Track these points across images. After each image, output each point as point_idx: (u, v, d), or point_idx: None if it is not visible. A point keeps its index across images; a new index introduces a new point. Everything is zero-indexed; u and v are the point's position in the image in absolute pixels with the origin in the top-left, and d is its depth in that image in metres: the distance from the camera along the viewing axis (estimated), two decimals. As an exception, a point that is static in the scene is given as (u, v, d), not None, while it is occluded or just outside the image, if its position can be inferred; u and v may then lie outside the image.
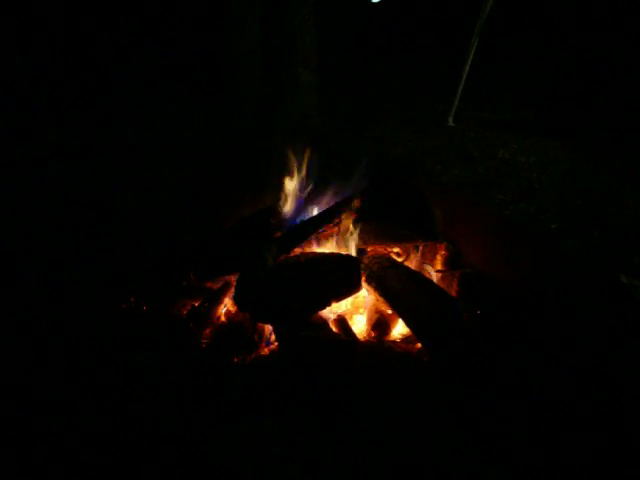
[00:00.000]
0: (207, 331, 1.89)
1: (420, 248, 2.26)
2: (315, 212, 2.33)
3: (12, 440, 1.42)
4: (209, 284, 2.13)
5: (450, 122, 4.78)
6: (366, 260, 2.12)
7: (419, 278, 1.97)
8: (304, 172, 2.37)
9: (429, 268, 2.22)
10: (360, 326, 2.02)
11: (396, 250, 2.27)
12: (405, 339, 1.90)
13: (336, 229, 2.22)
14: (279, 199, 2.36)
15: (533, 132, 4.46)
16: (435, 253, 2.27)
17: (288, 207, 2.36)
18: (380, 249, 2.24)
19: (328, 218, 2.19)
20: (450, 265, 2.23)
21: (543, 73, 5.77)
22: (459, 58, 4.64)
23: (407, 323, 1.83)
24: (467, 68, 4.58)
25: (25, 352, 1.73)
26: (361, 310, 2.12)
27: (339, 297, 1.90)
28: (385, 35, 6.96)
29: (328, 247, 2.23)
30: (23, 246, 2.29)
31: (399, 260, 2.23)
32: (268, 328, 1.88)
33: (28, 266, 2.18)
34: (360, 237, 2.19)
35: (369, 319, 2.00)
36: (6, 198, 2.67)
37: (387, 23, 6.99)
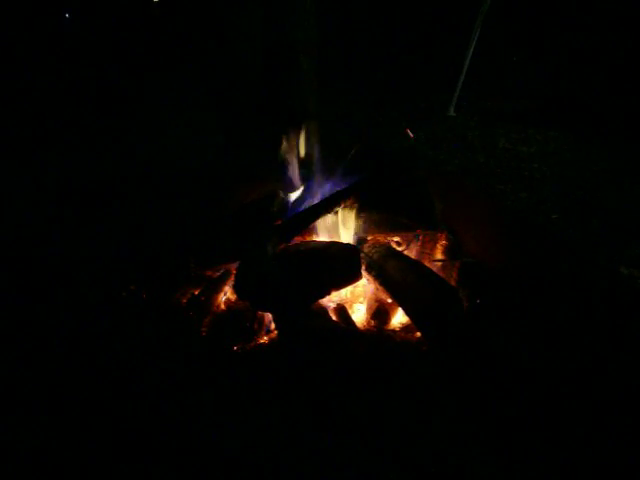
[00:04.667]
0: (207, 319, 1.89)
1: (420, 237, 2.25)
2: (315, 201, 2.32)
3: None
4: (209, 273, 2.13)
5: (451, 112, 4.77)
6: (366, 249, 2.11)
7: (419, 267, 1.97)
8: (305, 160, 2.36)
9: (429, 257, 2.22)
10: (360, 315, 2.02)
11: (396, 239, 2.27)
12: (405, 328, 1.91)
13: (336, 218, 2.21)
14: (279, 187, 2.35)
15: (534, 123, 4.45)
16: (435, 242, 2.27)
17: (288, 195, 2.35)
18: (380, 238, 2.24)
19: (328, 207, 2.18)
20: (450, 254, 2.22)
21: (545, 63, 5.74)
22: (461, 48, 4.61)
23: (407, 312, 1.83)
24: (469, 58, 4.56)
25: (25, 340, 1.74)
26: (361, 299, 2.12)
27: (339, 286, 1.90)
28: (386, 25, 6.90)
29: (328, 236, 2.22)
30: (25, 234, 2.29)
31: (399, 249, 2.23)
32: (268, 316, 1.88)
33: (29, 254, 2.18)
34: (360, 226, 2.18)
35: (369, 308, 2.00)
36: (10, 190, 2.67)
37: (388, 12, 6.93)
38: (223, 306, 1.99)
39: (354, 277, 1.92)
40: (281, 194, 2.34)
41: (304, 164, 2.37)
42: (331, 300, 1.99)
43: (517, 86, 5.78)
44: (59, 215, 2.44)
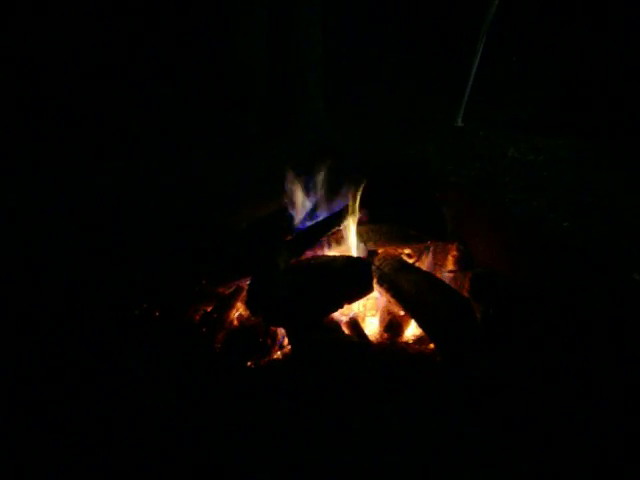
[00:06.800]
0: (220, 336, 1.89)
1: (431, 249, 2.25)
2: (325, 215, 2.33)
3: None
4: (221, 289, 2.14)
5: (459, 122, 4.76)
6: (377, 262, 2.12)
7: (431, 279, 1.97)
8: (314, 174, 2.38)
9: (440, 269, 2.22)
10: (372, 328, 2.02)
11: (407, 251, 2.27)
12: (418, 340, 1.90)
13: (346, 231, 2.22)
14: (289, 202, 2.36)
15: (543, 131, 4.43)
16: (446, 254, 2.26)
17: (298, 210, 2.36)
18: (391, 250, 2.24)
19: (338, 220, 2.19)
20: (461, 265, 2.22)
21: (553, 71, 5.74)
22: (467, 56, 4.63)
23: (420, 324, 1.83)
24: (475, 66, 4.57)
25: (38, 360, 1.75)
26: (373, 312, 2.12)
27: (351, 299, 1.90)
28: (391, 33, 6.94)
29: (339, 250, 2.23)
30: (36, 251, 2.32)
31: (410, 261, 2.23)
32: (281, 331, 1.88)
33: (41, 271, 2.20)
34: (370, 239, 2.19)
35: (381, 321, 2.00)
36: (21, 205, 2.70)
37: (394, 20, 6.97)
38: (236, 322, 2.00)
39: (366, 290, 1.92)
40: (291, 209, 2.35)
41: (313, 179, 2.38)
42: (343, 314, 1.99)
43: (524, 93, 5.78)
44: (69, 233, 2.47)
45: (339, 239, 2.23)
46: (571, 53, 5.25)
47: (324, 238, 2.19)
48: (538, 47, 6.11)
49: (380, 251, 2.23)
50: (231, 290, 2.12)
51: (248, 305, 1.90)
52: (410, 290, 1.88)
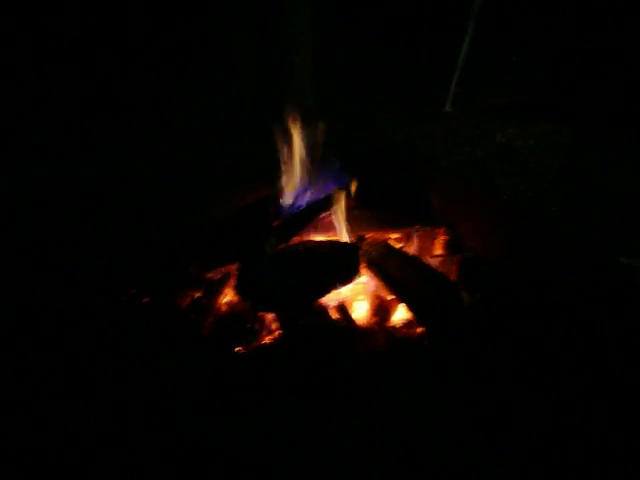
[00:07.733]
0: (208, 322, 1.89)
1: (419, 233, 2.26)
2: (313, 200, 2.32)
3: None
4: (209, 275, 2.14)
5: (448, 108, 4.76)
6: (365, 246, 2.12)
7: (418, 263, 1.97)
8: (302, 159, 2.37)
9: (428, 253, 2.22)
10: (361, 312, 2.03)
11: (395, 236, 2.27)
12: (406, 324, 1.91)
13: (334, 217, 2.22)
14: (277, 187, 2.36)
15: (532, 116, 4.44)
16: (434, 238, 2.27)
17: (286, 195, 2.35)
18: (379, 235, 2.24)
19: (326, 205, 2.19)
20: (450, 250, 2.23)
21: (542, 56, 5.73)
22: (456, 42, 4.61)
23: (409, 308, 1.84)
24: (464, 53, 4.56)
25: (26, 345, 1.74)
26: (361, 296, 2.12)
27: (339, 284, 1.90)
28: (378, 20, 6.88)
29: (327, 235, 2.23)
30: (23, 238, 2.30)
31: (398, 246, 2.23)
32: (269, 317, 1.89)
33: (28, 258, 2.18)
34: (358, 223, 2.19)
35: (369, 305, 2.00)
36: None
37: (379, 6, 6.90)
38: (224, 308, 1.99)
39: (353, 275, 1.93)
40: (278, 195, 2.34)
41: (301, 164, 2.37)
42: (331, 298, 1.99)
43: (514, 81, 5.78)
44: (57, 219, 2.45)
45: (327, 224, 2.23)
46: (564, 39, 5.25)
47: (312, 223, 2.19)
48: (530, 36, 6.10)
49: (368, 236, 2.23)
50: (219, 276, 2.11)
51: (237, 290, 1.90)
52: (398, 275, 1.88)
